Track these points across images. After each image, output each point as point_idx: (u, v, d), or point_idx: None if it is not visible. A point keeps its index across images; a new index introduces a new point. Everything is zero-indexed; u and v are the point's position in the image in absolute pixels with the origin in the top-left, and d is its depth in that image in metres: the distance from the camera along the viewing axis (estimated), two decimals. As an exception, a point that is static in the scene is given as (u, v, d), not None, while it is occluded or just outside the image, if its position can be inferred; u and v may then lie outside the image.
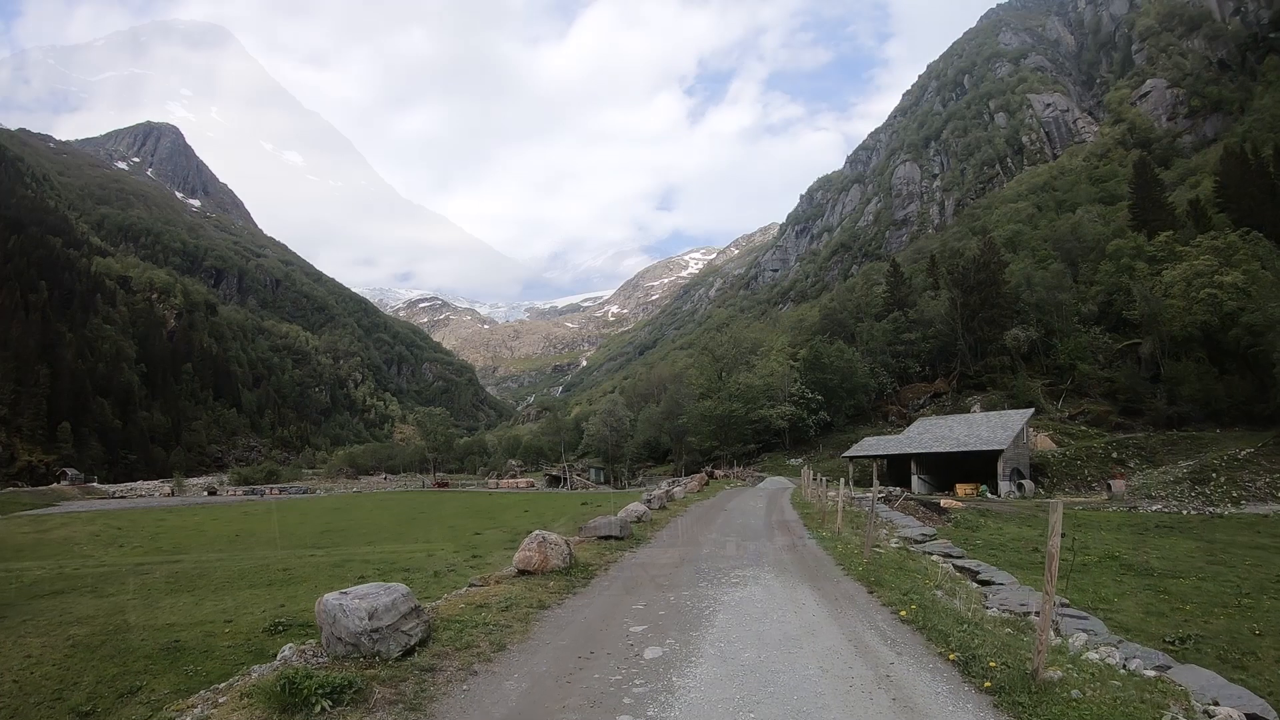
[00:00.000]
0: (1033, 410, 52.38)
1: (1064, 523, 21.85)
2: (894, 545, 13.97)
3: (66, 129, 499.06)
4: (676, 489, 29.77)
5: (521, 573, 9.89)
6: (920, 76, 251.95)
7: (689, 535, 16.25)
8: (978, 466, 44.69)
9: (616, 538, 13.46)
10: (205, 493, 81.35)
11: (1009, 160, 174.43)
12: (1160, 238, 71.02)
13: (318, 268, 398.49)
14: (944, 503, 29.33)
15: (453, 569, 15.68)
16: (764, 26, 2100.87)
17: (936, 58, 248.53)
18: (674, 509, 23.24)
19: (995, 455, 42.26)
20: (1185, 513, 36.28)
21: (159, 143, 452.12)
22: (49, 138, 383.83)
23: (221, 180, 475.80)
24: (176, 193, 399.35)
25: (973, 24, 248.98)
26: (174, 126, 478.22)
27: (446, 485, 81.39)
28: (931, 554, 12.54)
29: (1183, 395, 56.55)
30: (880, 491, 38.82)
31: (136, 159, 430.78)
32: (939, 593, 8.15)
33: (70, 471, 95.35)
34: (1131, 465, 47.11)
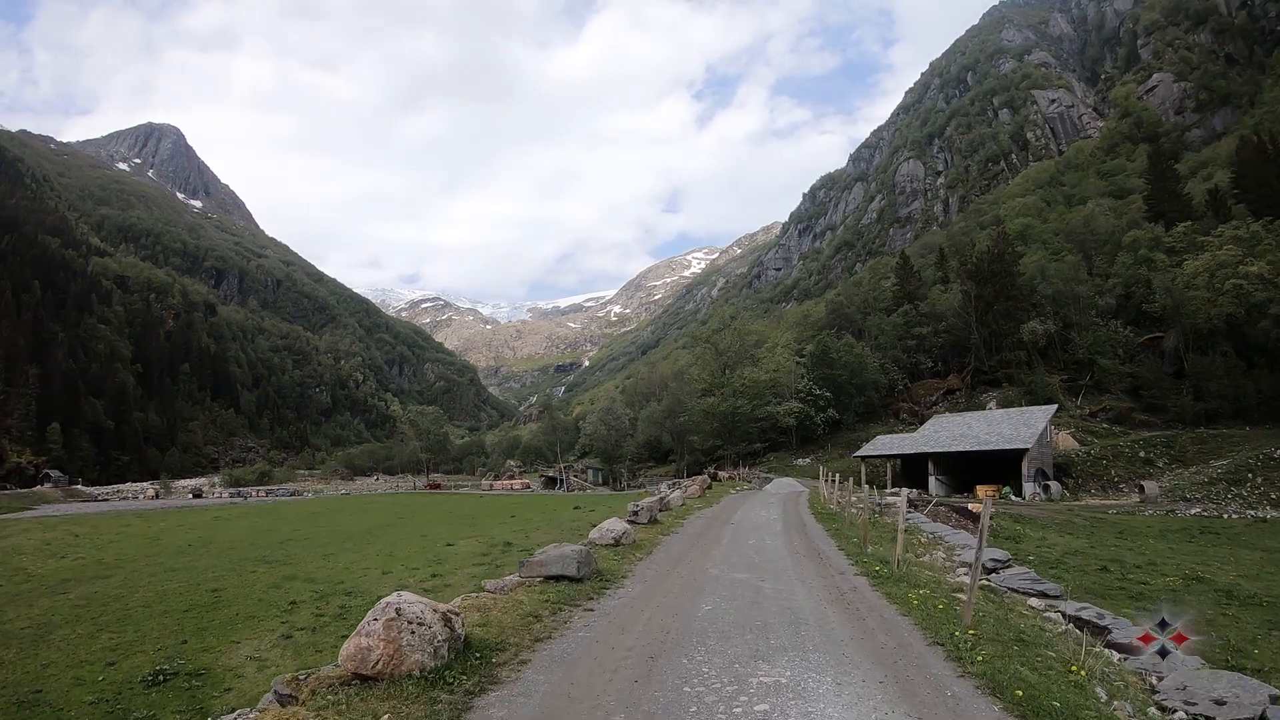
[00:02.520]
0: (1056, 407, 49.53)
1: (1105, 529, 19.03)
2: (964, 578, 10.73)
3: (77, 131, 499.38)
4: (674, 494, 25.90)
5: (357, 677, 5.81)
6: (923, 74, 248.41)
7: (682, 572, 11.61)
8: (998, 466, 41.94)
9: (572, 579, 9.30)
10: (190, 495, 78.95)
11: (1014, 156, 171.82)
12: (1179, 228, 68.49)
13: (325, 269, 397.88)
14: (972, 507, 26.64)
15: (403, 592, 13.09)
16: (771, 33, 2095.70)
17: (939, 55, 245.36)
18: (667, 523, 18.84)
19: (1018, 455, 39.50)
20: (1226, 516, 33.58)
21: (160, 144, 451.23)
22: (49, 139, 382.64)
23: (224, 181, 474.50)
24: (178, 193, 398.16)
25: (975, 22, 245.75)
26: (175, 127, 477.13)
27: (439, 487, 78.80)
28: (1023, 593, 9.51)
29: (1210, 391, 53.74)
30: (900, 494, 35.92)
31: (138, 160, 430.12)
32: (1101, 693, 5.27)
33: (54, 473, 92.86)
34: (1160, 465, 44.41)
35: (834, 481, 24.77)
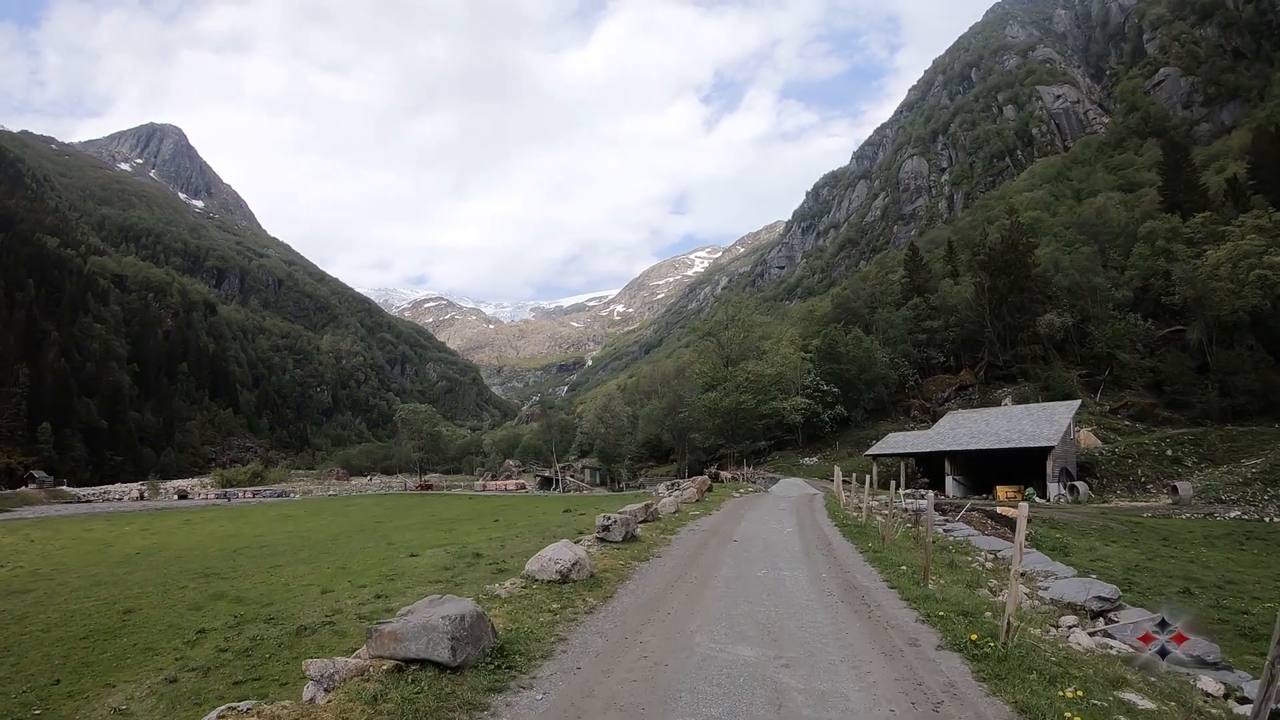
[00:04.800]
0: (1079, 402, 47.04)
1: (1147, 535, 16.48)
2: (1085, 637, 7.43)
3: (88, 134, 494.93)
4: (664, 500, 21.70)
5: None
6: (926, 71, 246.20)
7: (649, 645, 7.29)
8: (1020, 466, 39.36)
9: (441, 667, 5.48)
10: (176, 496, 76.71)
11: (1019, 153, 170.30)
12: (1198, 218, 66.19)
13: (333, 271, 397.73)
14: (1001, 510, 24.16)
15: (329, 622, 10.80)
16: (779, 38, 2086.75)
17: (942, 52, 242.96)
18: (650, 539, 14.65)
19: (1042, 453, 36.94)
20: (1269, 520, 31.14)
21: (162, 144, 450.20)
22: (51, 139, 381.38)
23: (226, 181, 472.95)
24: (180, 193, 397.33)
25: (978, 19, 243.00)
26: (177, 127, 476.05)
27: (430, 487, 76.31)
28: (1166, 654, 7.06)
29: (1236, 386, 51.13)
30: (918, 495, 33.18)
31: (139, 160, 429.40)
32: None
33: (39, 474, 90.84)
34: (1189, 464, 41.91)
35: (863, 483, 20.66)
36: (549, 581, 9.08)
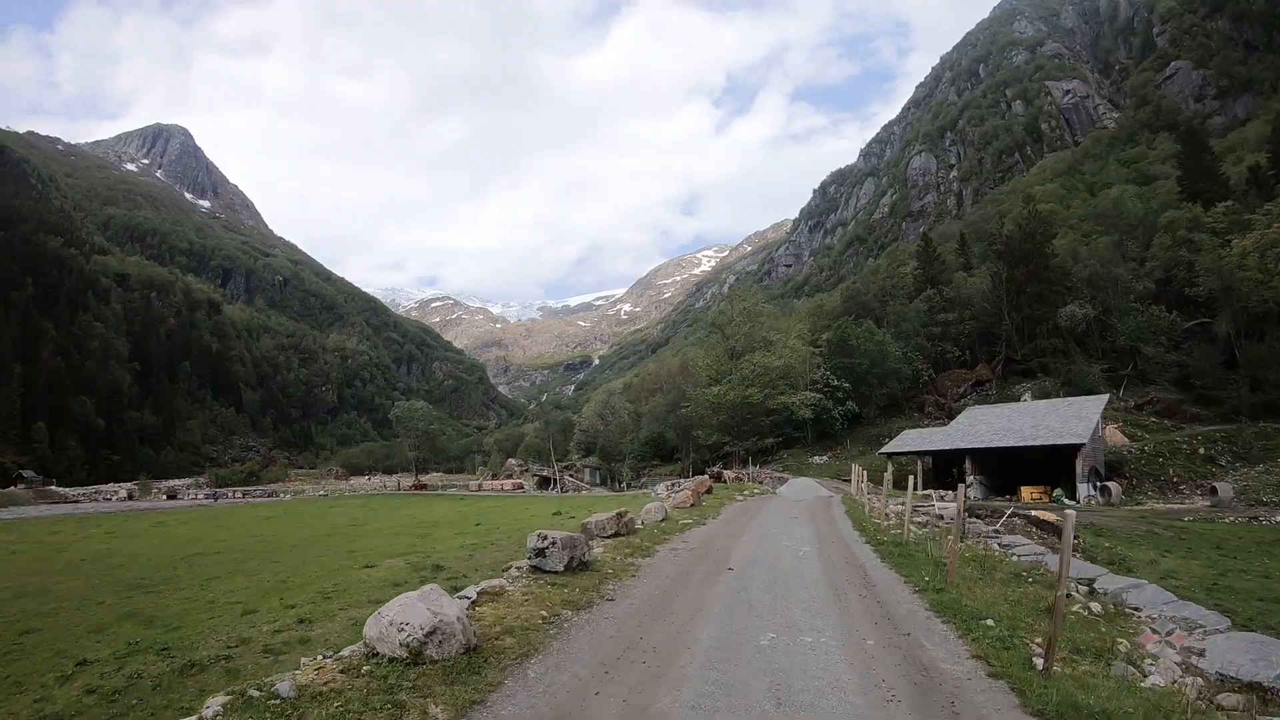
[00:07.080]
0: (1107, 397, 44.57)
1: (1198, 543, 13.63)
2: None
3: (103, 135, 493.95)
4: (649, 505, 18.09)
5: None
6: (934, 68, 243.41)
7: None
8: (1045, 465, 36.87)
9: None
10: (165, 496, 74.98)
11: (1028, 148, 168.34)
12: (1220, 207, 63.65)
13: (347, 272, 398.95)
14: (1038, 515, 21.77)
15: (227, 655, 8.69)
16: (790, 43, 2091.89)
17: (950, 49, 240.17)
18: (609, 566, 10.90)
19: (1072, 451, 34.42)
20: (1319, 523, 28.70)
21: (168, 144, 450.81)
22: (57, 140, 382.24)
23: (234, 182, 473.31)
24: (186, 193, 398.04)
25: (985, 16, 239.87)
26: (183, 128, 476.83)
27: (424, 487, 74.15)
28: None
29: (1268, 381, 48.54)
30: (937, 497, 30.75)
31: (145, 160, 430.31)
32: None
33: (28, 473, 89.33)
34: (1223, 464, 39.44)
35: (902, 486, 16.71)
36: (392, 660, 5.50)
